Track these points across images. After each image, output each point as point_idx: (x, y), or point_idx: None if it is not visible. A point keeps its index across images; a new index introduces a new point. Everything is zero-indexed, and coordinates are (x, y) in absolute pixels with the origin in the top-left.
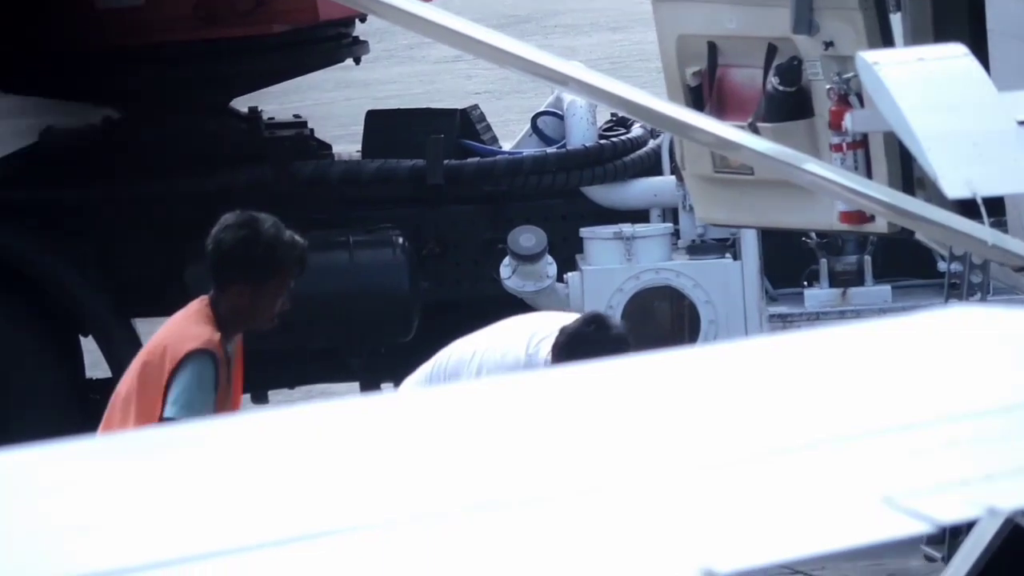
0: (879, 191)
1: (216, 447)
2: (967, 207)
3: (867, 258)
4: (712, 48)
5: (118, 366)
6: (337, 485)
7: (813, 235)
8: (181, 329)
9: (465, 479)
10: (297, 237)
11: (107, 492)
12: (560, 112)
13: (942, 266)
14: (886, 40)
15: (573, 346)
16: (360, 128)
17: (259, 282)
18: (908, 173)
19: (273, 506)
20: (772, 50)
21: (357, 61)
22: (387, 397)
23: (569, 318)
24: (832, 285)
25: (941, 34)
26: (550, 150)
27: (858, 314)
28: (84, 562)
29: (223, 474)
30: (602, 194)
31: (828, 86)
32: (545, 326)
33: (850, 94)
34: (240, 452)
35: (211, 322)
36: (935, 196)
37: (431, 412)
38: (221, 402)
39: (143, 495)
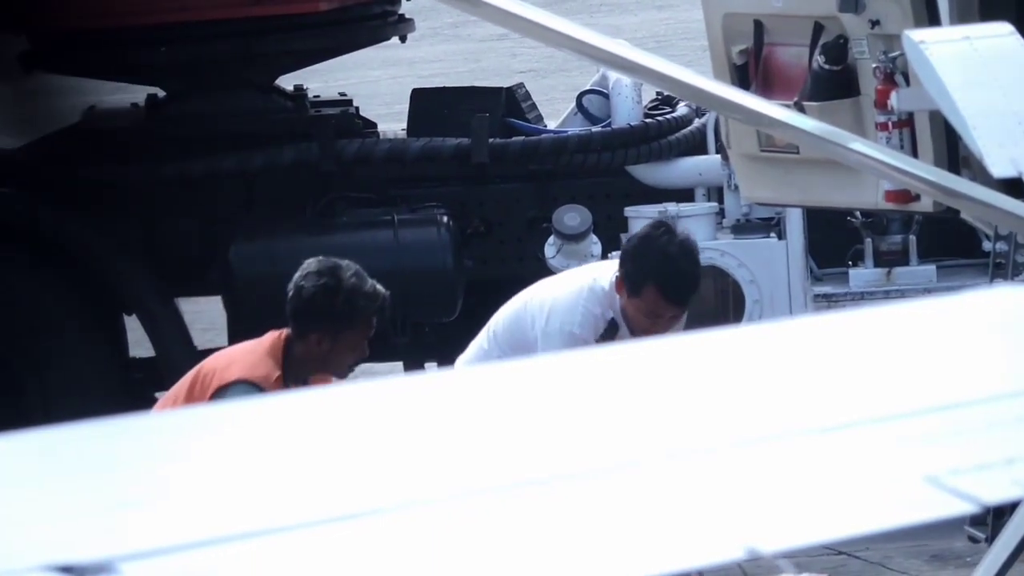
0: (924, 170)
1: (263, 425)
2: (1013, 186)
3: (912, 238)
4: (758, 26)
5: (162, 345)
6: (368, 468)
7: (858, 214)
8: (241, 356)
9: (510, 457)
10: (378, 287)
11: (152, 470)
12: (605, 91)
13: (987, 246)
14: (932, 19)
15: (643, 248)
16: (405, 107)
17: (338, 332)
18: (954, 152)
19: (310, 486)
20: (818, 29)
21: (403, 39)
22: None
23: (603, 266)
24: (877, 265)
25: (987, 13)
26: (595, 129)
27: (903, 294)
28: (131, 537)
29: (263, 454)
30: (647, 173)
31: (874, 65)
32: (594, 267)
33: (896, 73)
34: (292, 430)
35: (277, 360)
36: (980, 175)
37: (490, 389)
38: None
39: (187, 472)
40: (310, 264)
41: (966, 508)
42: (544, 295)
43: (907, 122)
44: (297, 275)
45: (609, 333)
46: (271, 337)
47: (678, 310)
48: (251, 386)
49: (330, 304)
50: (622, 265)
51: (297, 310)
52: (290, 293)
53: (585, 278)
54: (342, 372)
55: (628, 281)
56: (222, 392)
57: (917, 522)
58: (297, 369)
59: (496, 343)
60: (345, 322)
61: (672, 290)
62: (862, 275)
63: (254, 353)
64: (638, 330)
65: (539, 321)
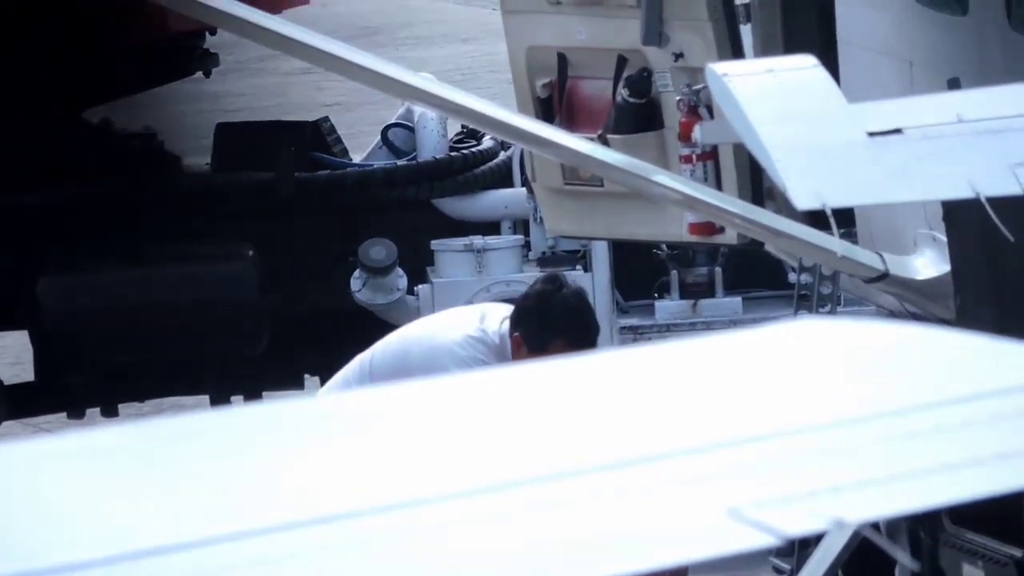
0: (729, 203)
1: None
2: (816, 218)
3: (717, 270)
4: (562, 59)
5: None
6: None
7: (664, 247)
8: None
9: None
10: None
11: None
12: (411, 124)
13: (792, 278)
14: (736, 51)
15: (544, 306)
16: (211, 141)
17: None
18: (758, 185)
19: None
20: (622, 61)
21: (207, 74)
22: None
23: (489, 314)
24: (683, 297)
25: (791, 45)
26: (401, 162)
27: (709, 326)
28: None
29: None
30: (453, 206)
31: (678, 98)
32: (482, 308)
33: (700, 105)
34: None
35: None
36: (785, 208)
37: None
38: None
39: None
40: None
41: (768, 541)
42: (431, 335)
43: (711, 155)
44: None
45: None
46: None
47: None
48: None
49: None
50: (521, 325)
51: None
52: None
53: (474, 324)
54: None
55: (532, 339)
56: None
57: (720, 555)
58: None
59: (371, 375)
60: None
61: (581, 341)
62: (668, 307)
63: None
64: None
65: (422, 360)
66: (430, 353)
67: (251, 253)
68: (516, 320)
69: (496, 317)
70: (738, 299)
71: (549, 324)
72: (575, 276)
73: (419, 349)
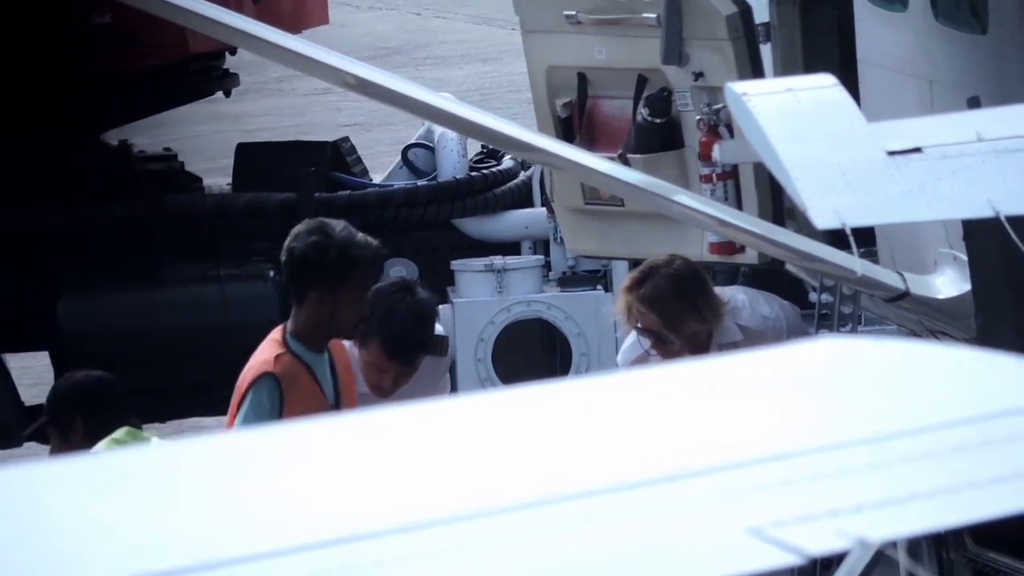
0: (749, 222)
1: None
2: (837, 238)
3: None
4: (582, 79)
5: None
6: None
7: None
8: (251, 361)
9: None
10: (370, 239)
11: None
12: (431, 144)
13: (813, 297)
14: (756, 70)
15: (374, 303)
16: (231, 161)
17: (336, 287)
18: (778, 204)
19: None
20: (642, 81)
21: (227, 94)
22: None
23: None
24: None
25: (811, 64)
26: (420, 182)
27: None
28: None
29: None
30: (473, 226)
31: (698, 117)
32: None
33: (720, 125)
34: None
35: (278, 344)
36: (805, 227)
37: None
38: (312, 408)
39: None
40: (298, 228)
41: (790, 559)
42: None
43: (731, 174)
44: (287, 240)
45: None
46: (273, 330)
47: (401, 368)
48: (264, 377)
49: (322, 258)
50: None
51: (293, 272)
52: (283, 259)
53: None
54: (350, 332)
55: (364, 334)
56: (245, 397)
57: (742, 573)
58: (311, 341)
59: None
60: (341, 274)
61: (392, 347)
62: None
63: (260, 350)
64: (367, 382)
65: None
66: None
67: (272, 274)
68: None
69: None
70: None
71: (371, 322)
72: (596, 296)
73: None
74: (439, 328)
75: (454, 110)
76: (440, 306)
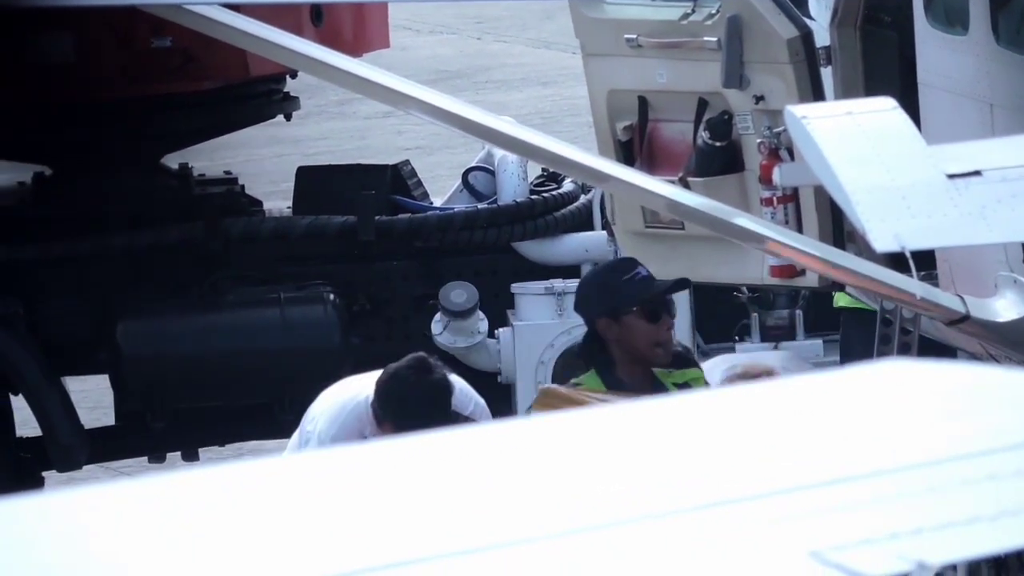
0: (809, 245)
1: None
2: (897, 261)
3: (798, 312)
4: (643, 102)
5: (48, 424)
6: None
7: (744, 289)
8: None
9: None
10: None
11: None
12: (491, 167)
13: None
14: (816, 94)
15: (388, 386)
16: (291, 185)
17: None
18: (839, 227)
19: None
20: (703, 104)
21: (288, 117)
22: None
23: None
24: (764, 340)
25: (871, 87)
26: (481, 206)
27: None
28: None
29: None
30: (533, 249)
31: (759, 140)
32: (369, 380)
33: (780, 148)
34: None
35: None
36: (865, 250)
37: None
38: None
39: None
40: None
41: None
42: (327, 396)
43: (792, 197)
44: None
45: None
46: None
47: None
48: None
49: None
50: (375, 398)
51: None
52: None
53: (352, 392)
54: None
55: (374, 411)
56: None
57: None
58: None
59: (303, 433)
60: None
61: (407, 432)
62: (749, 350)
63: None
64: None
65: (311, 422)
66: (319, 413)
67: (332, 297)
68: (375, 392)
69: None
70: (819, 341)
71: (385, 405)
72: None
73: (314, 409)
74: (460, 400)
75: (515, 133)
76: (499, 329)
